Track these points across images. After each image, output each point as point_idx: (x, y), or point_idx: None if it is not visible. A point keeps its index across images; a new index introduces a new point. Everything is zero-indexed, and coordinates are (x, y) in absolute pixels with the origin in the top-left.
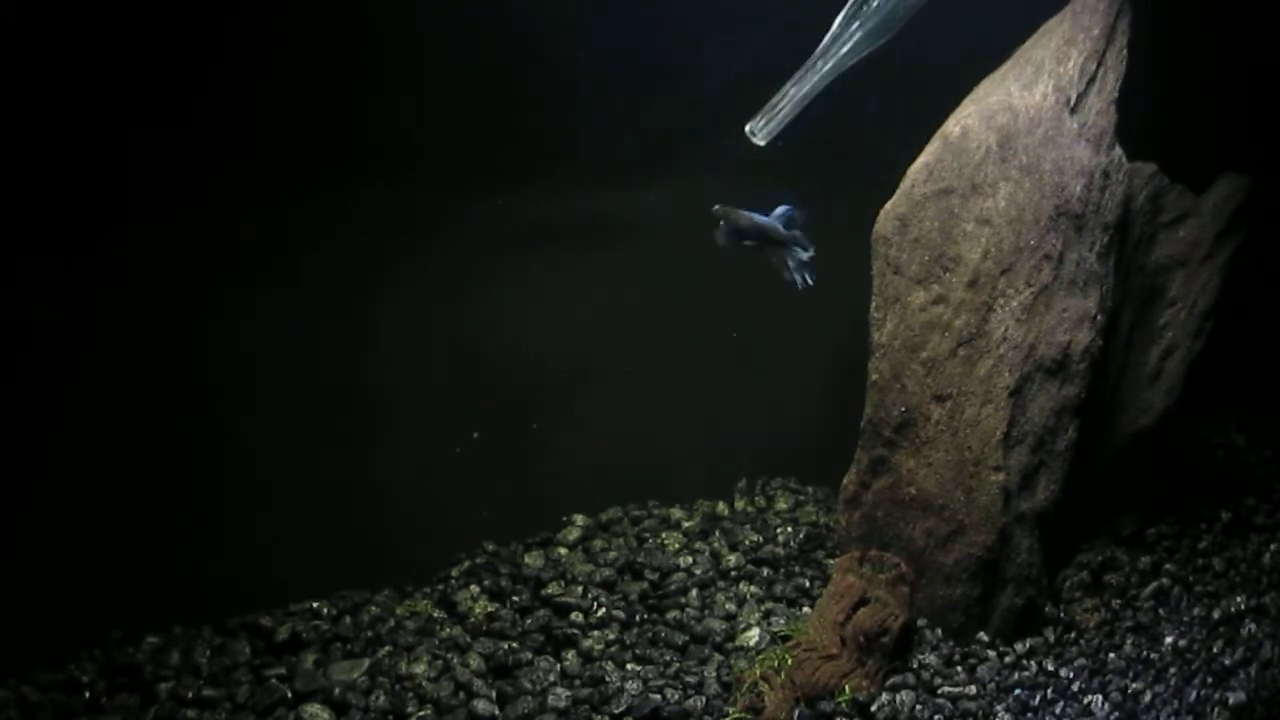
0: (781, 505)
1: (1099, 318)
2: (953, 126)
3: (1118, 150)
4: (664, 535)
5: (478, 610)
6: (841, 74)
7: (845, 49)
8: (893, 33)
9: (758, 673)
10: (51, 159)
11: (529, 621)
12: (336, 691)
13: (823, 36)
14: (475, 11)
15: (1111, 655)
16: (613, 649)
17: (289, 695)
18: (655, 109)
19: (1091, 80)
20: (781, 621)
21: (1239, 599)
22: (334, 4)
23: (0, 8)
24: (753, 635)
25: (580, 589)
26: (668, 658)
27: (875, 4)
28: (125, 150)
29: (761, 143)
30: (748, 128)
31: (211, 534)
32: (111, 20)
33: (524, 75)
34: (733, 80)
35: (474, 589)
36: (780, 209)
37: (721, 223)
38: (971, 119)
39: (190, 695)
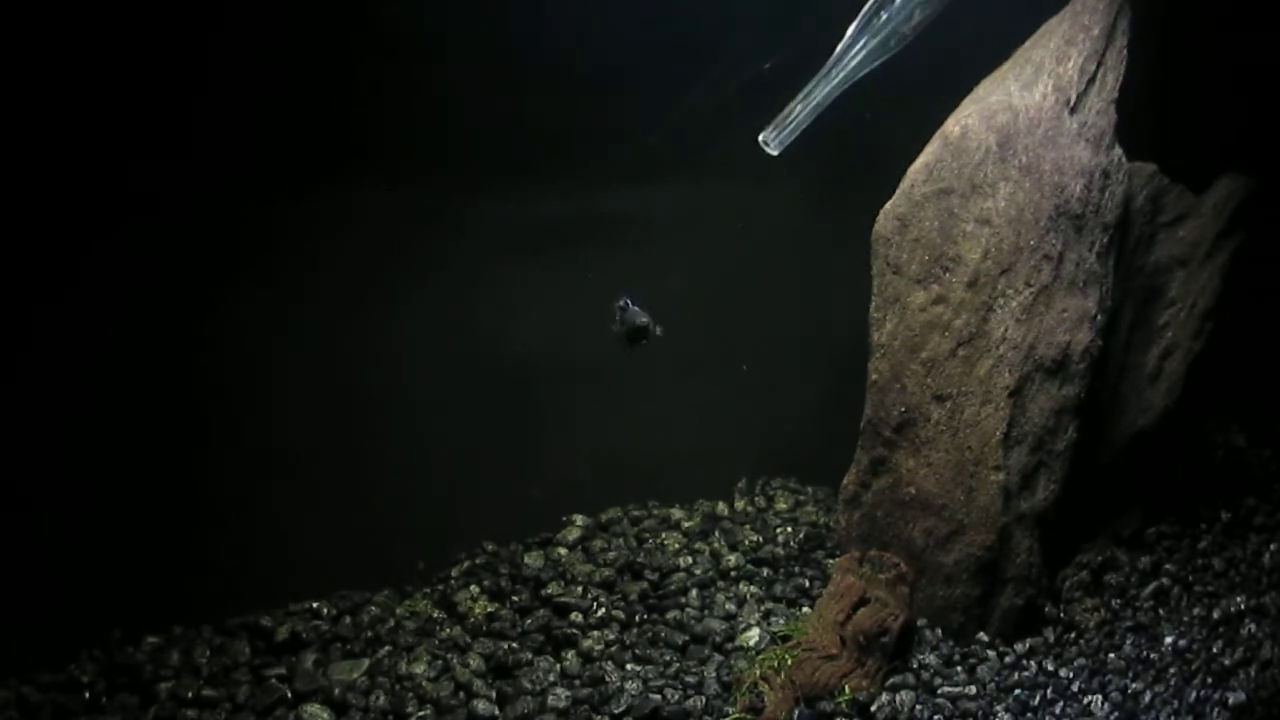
0: (781, 505)
1: (1099, 318)
2: (953, 126)
3: (1118, 150)
4: (664, 535)
5: (478, 610)
6: (853, 84)
7: (857, 59)
8: (905, 44)
9: (757, 673)
10: (58, 160)
11: (529, 621)
12: (336, 691)
13: (824, 42)
14: (478, 10)
15: (1111, 655)
16: (613, 649)
17: (289, 695)
18: (658, 109)
19: (1091, 80)
20: (781, 621)
21: (1239, 599)
22: (337, 3)
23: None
24: (753, 635)
25: (580, 589)
26: (668, 658)
27: (886, 15)
28: (130, 150)
29: (775, 152)
30: (761, 137)
31: (212, 534)
32: (116, 20)
33: (526, 75)
34: (735, 82)
35: (474, 589)
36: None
37: (620, 318)
38: (971, 119)
39: (190, 695)
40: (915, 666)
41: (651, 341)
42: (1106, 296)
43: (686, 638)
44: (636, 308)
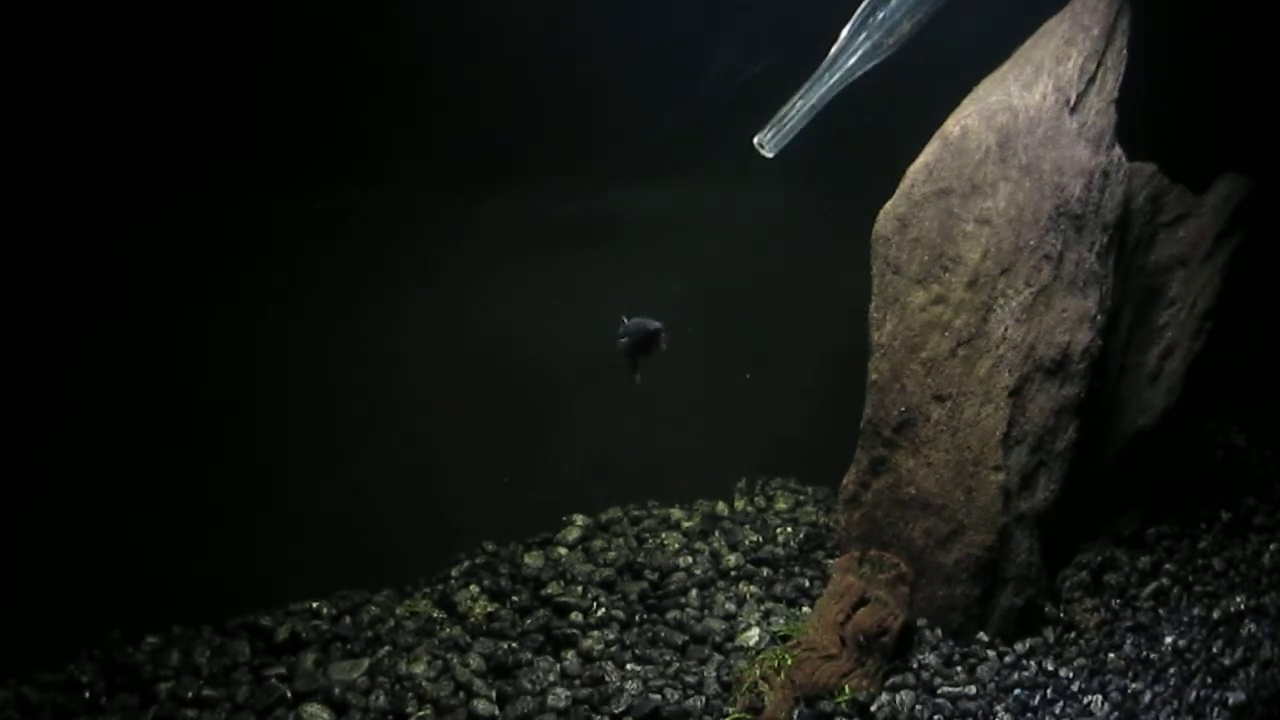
0: (781, 505)
1: (1099, 318)
2: (953, 126)
3: (1117, 150)
4: (664, 535)
5: (478, 610)
6: (849, 85)
7: (852, 60)
8: (901, 44)
9: (757, 673)
10: (50, 160)
11: (529, 621)
12: (336, 691)
13: (825, 44)
14: (477, 10)
15: (1111, 655)
16: (613, 649)
17: (289, 695)
18: (656, 109)
19: (1091, 80)
20: (781, 621)
21: (1239, 599)
22: (334, 2)
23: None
24: (752, 635)
25: (580, 589)
26: (667, 658)
27: (882, 16)
28: (123, 148)
29: (771, 154)
30: (756, 140)
31: (212, 534)
32: (110, 17)
33: (525, 74)
34: (734, 82)
35: (474, 589)
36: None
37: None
38: (971, 119)
39: (190, 695)
40: (915, 666)
41: (658, 353)
42: (1106, 296)
43: (686, 638)
44: (638, 319)
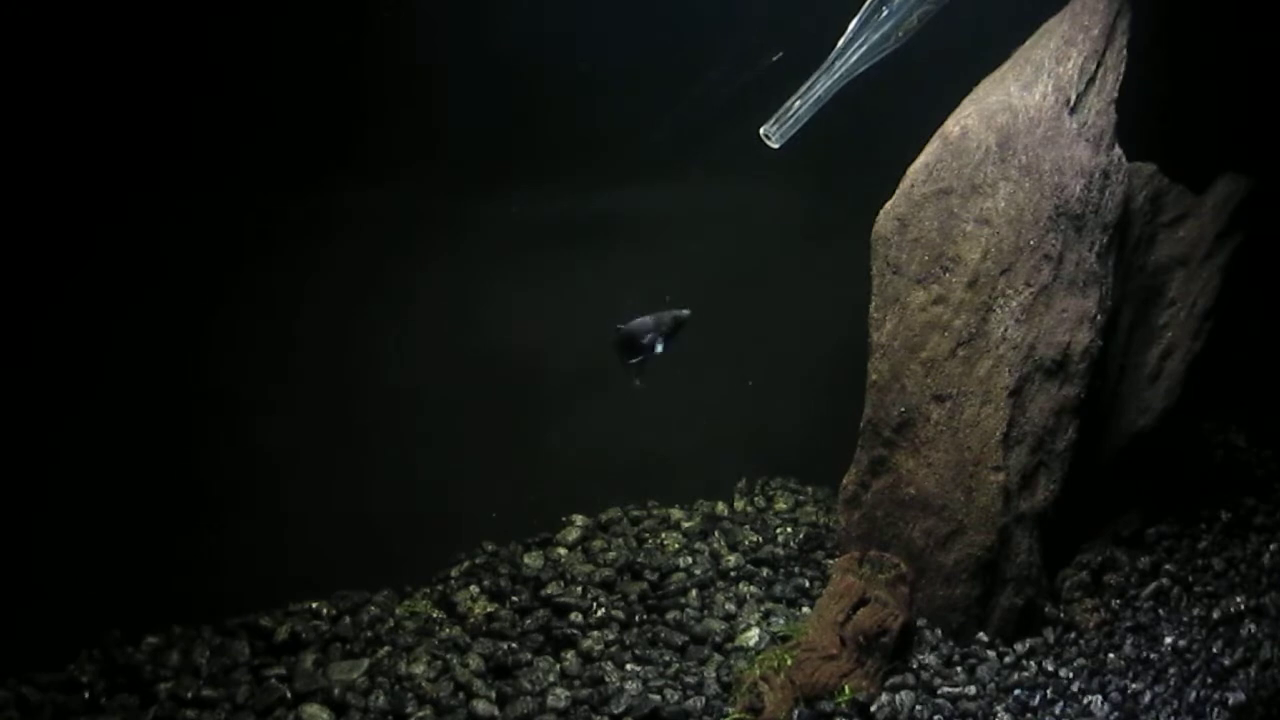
0: (781, 505)
1: (1099, 318)
2: (952, 126)
3: (1117, 150)
4: (664, 535)
5: (477, 610)
6: (854, 78)
7: (858, 54)
8: (906, 40)
9: (757, 673)
10: (58, 160)
11: (529, 621)
12: (336, 691)
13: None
14: (479, 11)
15: (1111, 655)
16: (612, 649)
17: (288, 695)
18: (657, 110)
19: (1091, 80)
20: (781, 622)
21: (1239, 599)
22: (338, 2)
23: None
24: (752, 635)
25: (580, 589)
26: (667, 658)
27: (888, 11)
28: (130, 149)
29: (777, 145)
30: (763, 130)
31: (211, 534)
32: (119, 18)
33: (526, 75)
34: (735, 82)
35: (474, 589)
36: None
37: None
38: (971, 119)
39: (190, 695)
40: (915, 666)
41: (653, 358)
42: (1106, 296)
43: (686, 638)
44: (639, 320)
